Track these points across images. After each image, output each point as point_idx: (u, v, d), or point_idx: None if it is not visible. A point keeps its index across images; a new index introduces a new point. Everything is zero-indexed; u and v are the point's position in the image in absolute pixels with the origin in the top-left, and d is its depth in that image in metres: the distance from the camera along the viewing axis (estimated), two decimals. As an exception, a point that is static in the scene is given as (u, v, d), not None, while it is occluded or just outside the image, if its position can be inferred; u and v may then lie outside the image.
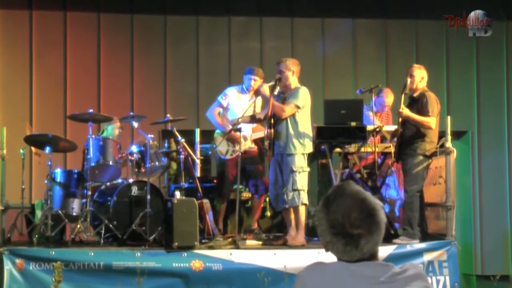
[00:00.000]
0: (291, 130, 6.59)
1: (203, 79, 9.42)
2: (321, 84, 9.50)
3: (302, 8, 9.69)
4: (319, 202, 2.17)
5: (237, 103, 7.31)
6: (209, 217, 6.68)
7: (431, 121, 6.74)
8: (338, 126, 7.10)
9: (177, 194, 6.58)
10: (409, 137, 6.83)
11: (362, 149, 7.43)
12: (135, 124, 7.01)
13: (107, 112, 7.65)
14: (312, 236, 6.84)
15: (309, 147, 6.67)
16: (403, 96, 6.87)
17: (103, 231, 6.50)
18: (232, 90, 7.39)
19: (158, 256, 6.26)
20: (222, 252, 6.34)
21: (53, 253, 6.16)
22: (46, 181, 6.78)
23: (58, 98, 9.10)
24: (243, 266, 6.27)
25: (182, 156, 7.02)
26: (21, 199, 7.02)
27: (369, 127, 7.23)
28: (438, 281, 6.60)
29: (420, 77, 6.87)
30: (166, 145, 7.39)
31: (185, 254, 6.25)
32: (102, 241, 6.47)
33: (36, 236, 6.53)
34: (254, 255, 6.35)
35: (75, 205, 6.69)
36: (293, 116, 6.62)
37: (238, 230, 6.85)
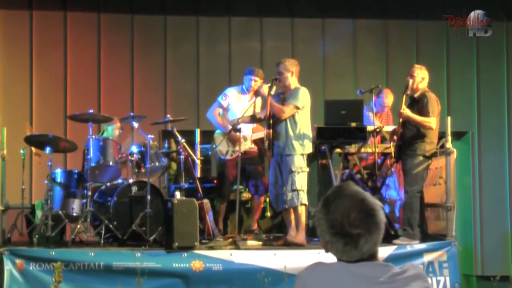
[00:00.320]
0: (290, 131, 6.59)
1: (203, 79, 9.43)
2: (321, 84, 9.50)
3: (302, 9, 9.69)
4: (319, 202, 2.17)
5: (237, 104, 7.31)
6: (209, 217, 6.69)
7: (432, 121, 6.74)
8: (338, 127, 7.10)
9: (177, 194, 6.58)
10: (409, 138, 6.83)
11: (362, 150, 7.43)
12: (135, 125, 7.01)
13: (107, 112, 7.65)
14: (312, 236, 6.84)
15: (309, 148, 6.67)
16: (404, 96, 6.87)
17: (103, 231, 6.50)
18: (232, 90, 7.40)
19: (158, 257, 6.26)
20: (222, 253, 6.34)
21: (53, 253, 6.17)
22: (46, 182, 6.78)
23: (58, 98, 9.11)
24: (243, 266, 6.27)
25: (182, 157, 7.02)
26: (21, 199, 7.03)
27: (369, 128, 7.23)
28: (438, 282, 6.60)
29: (420, 77, 6.87)
30: (166, 145, 7.39)
31: (185, 254, 6.25)
32: (102, 241, 6.47)
33: (36, 236, 6.53)
34: (254, 256, 6.35)
35: (75, 206, 6.69)
36: (292, 116, 6.62)
37: (238, 230, 6.85)
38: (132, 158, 6.99)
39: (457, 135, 9.48)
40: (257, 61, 9.27)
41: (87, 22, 9.31)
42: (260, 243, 6.79)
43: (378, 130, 7.32)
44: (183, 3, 9.57)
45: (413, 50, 9.79)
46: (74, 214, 6.66)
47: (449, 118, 7.23)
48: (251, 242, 6.79)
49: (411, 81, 6.85)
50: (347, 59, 9.73)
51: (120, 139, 7.32)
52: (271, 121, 6.68)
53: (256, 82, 7.24)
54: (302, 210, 6.59)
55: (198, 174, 7.63)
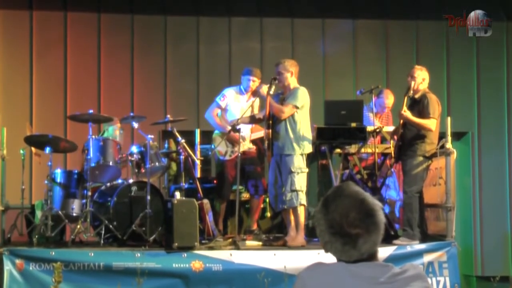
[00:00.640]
0: (289, 131, 6.59)
1: (204, 79, 9.42)
2: (321, 84, 9.50)
3: (302, 9, 9.69)
4: (319, 203, 2.17)
5: (236, 104, 7.31)
6: (209, 217, 6.68)
7: (431, 123, 6.73)
8: (338, 127, 7.09)
9: (177, 194, 6.58)
10: (409, 138, 6.83)
11: (362, 150, 7.43)
12: (135, 125, 7.01)
13: (107, 113, 7.65)
14: (312, 236, 6.84)
15: (308, 148, 6.67)
16: (405, 98, 6.86)
17: (103, 232, 6.50)
18: (230, 91, 7.39)
19: (158, 257, 6.26)
20: (222, 253, 6.34)
21: (53, 253, 6.17)
22: (46, 182, 6.78)
23: (59, 98, 9.11)
24: (243, 266, 6.27)
25: (182, 157, 7.02)
26: (21, 199, 7.02)
27: (369, 128, 7.23)
28: (438, 282, 6.60)
29: (421, 78, 6.86)
30: (166, 145, 7.39)
31: (185, 254, 6.25)
32: (102, 241, 6.47)
33: (36, 236, 6.53)
34: (254, 256, 6.35)
35: (75, 206, 6.70)
36: (292, 116, 6.62)
37: (238, 230, 6.85)
38: (132, 158, 6.99)
39: (457, 136, 9.47)
40: (257, 61, 9.27)
41: (87, 22, 9.31)
42: (260, 243, 6.79)
43: (378, 130, 7.32)
44: (183, 3, 9.58)
45: (413, 50, 9.79)
46: (74, 214, 6.67)
47: (449, 118, 7.22)
48: (251, 243, 6.79)
49: (412, 82, 6.84)
50: (347, 59, 9.73)
51: (120, 139, 7.31)
52: (270, 122, 6.68)
53: (254, 82, 7.24)
54: (301, 211, 6.59)
55: (198, 174, 7.62)
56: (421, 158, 6.75)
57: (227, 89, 7.44)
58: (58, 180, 6.76)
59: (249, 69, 7.37)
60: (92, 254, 6.20)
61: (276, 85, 6.79)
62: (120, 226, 6.63)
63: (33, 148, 7.38)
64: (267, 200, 7.51)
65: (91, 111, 6.83)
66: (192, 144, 7.76)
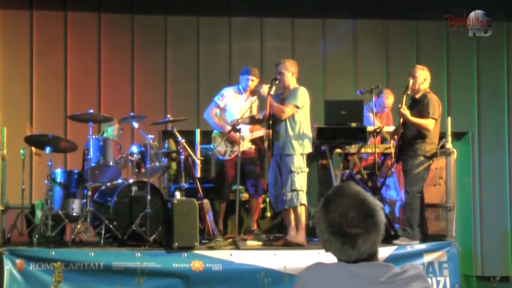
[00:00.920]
0: (290, 131, 6.59)
1: (204, 79, 9.43)
2: (322, 84, 9.50)
3: (302, 9, 9.69)
4: (319, 202, 2.18)
5: (234, 104, 7.31)
6: (209, 217, 6.68)
7: (429, 123, 6.71)
8: (339, 127, 7.09)
9: (177, 194, 6.57)
10: (410, 138, 6.82)
11: (363, 150, 7.43)
12: (136, 125, 7.01)
13: (107, 113, 7.65)
14: (312, 236, 6.84)
15: (308, 147, 6.67)
16: (404, 96, 6.86)
17: (103, 232, 6.50)
18: (229, 90, 7.39)
19: (158, 257, 6.25)
20: (222, 253, 6.34)
21: (53, 253, 6.16)
22: (46, 181, 6.78)
23: (59, 98, 9.11)
24: (243, 266, 6.26)
25: (182, 157, 7.02)
26: (21, 199, 7.03)
27: (369, 128, 7.23)
28: (438, 282, 6.60)
29: (422, 78, 6.86)
30: (166, 145, 7.39)
31: (185, 254, 6.25)
32: (102, 241, 6.47)
33: (36, 236, 6.53)
34: (254, 256, 6.34)
35: (75, 206, 6.70)
36: (292, 116, 6.62)
37: (238, 230, 6.85)
38: (132, 158, 6.99)
39: (457, 136, 9.48)
40: (257, 61, 9.28)
41: (87, 22, 9.31)
42: (260, 243, 6.79)
43: (378, 130, 7.32)
44: (183, 3, 9.58)
45: (413, 50, 9.79)
46: (74, 214, 6.67)
47: (449, 118, 7.22)
48: (251, 242, 6.79)
49: (411, 81, 6.84)
50: (347, 59, 9.73)
51: (119, 139, 7.31)
52: (270, 122, 6.68)
53: (253, 81, 7.25)
54: (301, 210, 6.59)
55: (198, 174, 7.63)
56: (421, 158, 6.75)
57: (226, 89, 7.44)
58: (58, 180, 6.76)
59: (247, 69, 7.37)
60: (92, 254, 6.19)
61: (277, 85, 6.79)
62: (120, 226, 6.63)
63: (33, 148, 7.39)
64: (267, 200, 7.51)
65: (91, 111, 6.83)
66: (192, 144, 7.77)
